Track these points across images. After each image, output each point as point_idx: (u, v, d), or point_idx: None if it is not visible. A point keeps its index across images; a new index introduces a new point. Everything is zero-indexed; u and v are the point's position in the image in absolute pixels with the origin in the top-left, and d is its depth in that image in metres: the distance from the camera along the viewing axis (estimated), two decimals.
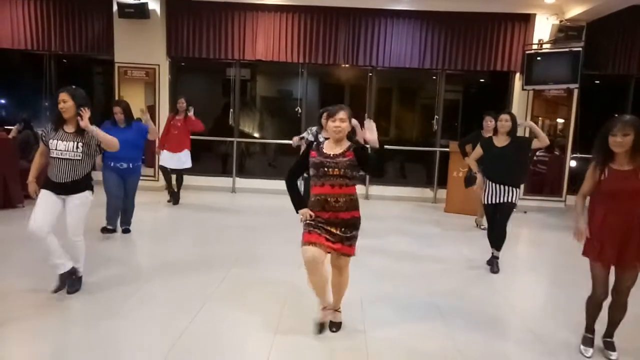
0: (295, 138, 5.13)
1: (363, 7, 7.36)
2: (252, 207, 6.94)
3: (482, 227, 5.79)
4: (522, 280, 4.52)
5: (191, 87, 9.36)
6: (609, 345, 2.95)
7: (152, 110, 7.47)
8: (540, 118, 7.62)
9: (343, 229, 2.85)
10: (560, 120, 7.65)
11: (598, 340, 3.01)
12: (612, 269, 2.84)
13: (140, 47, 7.50)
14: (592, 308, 2.94)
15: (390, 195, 7.78)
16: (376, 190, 7.87)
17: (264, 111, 10.48)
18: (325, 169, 2.81)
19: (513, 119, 4.40)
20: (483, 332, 3.22)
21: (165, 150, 6.47)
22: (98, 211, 4.94)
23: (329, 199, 2.82)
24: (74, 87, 3.41)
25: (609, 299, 2.89)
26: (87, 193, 3.46)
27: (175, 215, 6.24)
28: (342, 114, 2.82)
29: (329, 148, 2.89)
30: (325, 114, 2.81)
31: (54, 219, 3.35)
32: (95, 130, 3.36)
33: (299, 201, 2.97)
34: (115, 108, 4.89)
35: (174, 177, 6.73)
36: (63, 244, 3.42)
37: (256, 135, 10.03)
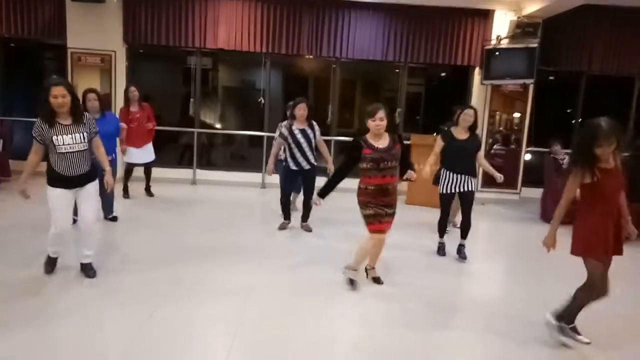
0: (270, 167, 5.07)
1: None
2: (213, 199, 6.80)
3: (457, 226, 5.55)
4: (484, 268, 4.64)
5: (150, 75, 9.05)
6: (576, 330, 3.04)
7: (108, 98, 7.18)
8: (497, 112, 7.84)
9: (393, 210, 3.56)
10: (516, 115, 7.89)
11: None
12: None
13: (95, 32, 7.18)
14: (587, 303, 2.93)
15: (353, 188, 7.80)
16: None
17: (226, 101, 10.29)
18: (386, 162, 3.39)
19: (476, 114, 4.53)
20: (444, 319, 3.31)
21: (130, 148, 6.01)
22: None
23: (389, 187, 3.48)
24: (62, 78, 3.46)
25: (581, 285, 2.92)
26: (97, 179, 3.58)
27: (137, 208, 6.02)
28: (381, 114, 3.37)
29: (377, 142, 3.43)
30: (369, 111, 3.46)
31: (71, 214, 3.54)
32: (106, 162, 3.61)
33: (327, 188, 3.67)
34: (89, 95, 4.56)
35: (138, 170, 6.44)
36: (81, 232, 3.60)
37: (218, 125, 9.83)
